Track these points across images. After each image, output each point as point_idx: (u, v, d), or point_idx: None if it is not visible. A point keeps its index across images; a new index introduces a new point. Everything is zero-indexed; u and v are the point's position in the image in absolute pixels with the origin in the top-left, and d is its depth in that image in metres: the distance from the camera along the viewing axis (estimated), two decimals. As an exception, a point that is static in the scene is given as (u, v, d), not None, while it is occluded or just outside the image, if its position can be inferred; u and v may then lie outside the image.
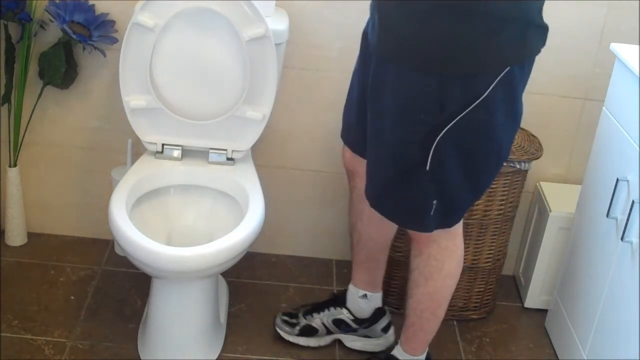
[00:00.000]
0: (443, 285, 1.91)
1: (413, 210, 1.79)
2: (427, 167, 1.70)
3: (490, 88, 1.62)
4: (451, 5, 1.57)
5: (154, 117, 2.14)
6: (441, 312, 1.97)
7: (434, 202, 1.75)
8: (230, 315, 2.29)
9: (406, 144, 1.70)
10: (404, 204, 1.79)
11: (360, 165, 1.94)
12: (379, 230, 2.07)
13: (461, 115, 1.64)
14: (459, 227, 1.87)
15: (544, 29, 1.68)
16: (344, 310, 2.19)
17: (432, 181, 1.72)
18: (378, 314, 2.19)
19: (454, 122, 1.64)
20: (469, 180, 1.75)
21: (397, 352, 2.04)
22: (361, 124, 1.86)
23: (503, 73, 1.62)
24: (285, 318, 2.21)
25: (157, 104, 2.11)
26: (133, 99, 2.11)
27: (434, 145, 1.67)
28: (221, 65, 2.09)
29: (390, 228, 2.07)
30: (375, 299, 2.19)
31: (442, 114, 1.64)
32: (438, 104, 1.63)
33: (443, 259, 1.88)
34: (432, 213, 1.76)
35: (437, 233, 1.83)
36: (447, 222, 1.82)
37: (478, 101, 1.62)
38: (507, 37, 1.60)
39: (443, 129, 1.65)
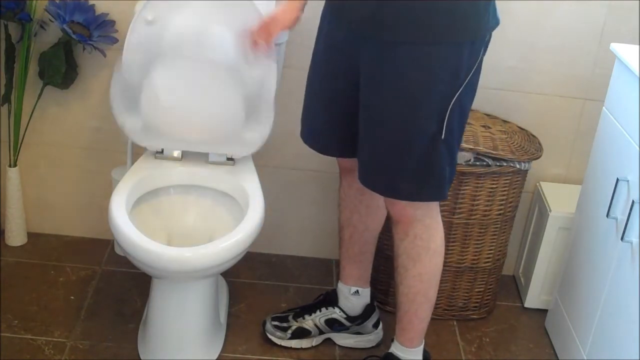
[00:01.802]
0: (431, 263, 1.93)
1: (436, 182, 1.82)
2: (443, 136, 1.76)
3: (482, 52, 1.76)
4: None
5: (151, 133, 2.13)
6: (432, 294, 1.98)
7: (447, 168, 1.81)
8: (230, 315, 2.29)
9: (424, 119, 1.75)
10: (426, 180, 1.81)
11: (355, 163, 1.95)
12: (375, 218, 2.10)
13: (468, 79, 1.73)
14: (438, 205, 1.91)
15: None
16: (336, 309, 2.20)
17: (446, 148, 1.78)
18: (369, 310, 2.21)
19: (462, 87, 1.73)
20: (459, 143, 1.85)
21: (394, 348, 2.04)
22: (335, 124, 1.91)
23: (487, 38, 1.76)
24: (276, 323, 2.21)
25: (153, 127, 2.10)
26: (128, 122, 2.11)
27: (447, 113, 1.74)
28: (218, 90, 2.07)
29: (383, 215, 2.10)
30: (366, 295, 2.21)
31: (456, 81, 1.72)
32: (453, 72, 1.71)
33: (428, 238, 1.90)
34: (447, 179, 1.82)
35: (421, 211, 1.87)
36: (447, 191, 1.86)
37: (476, 64, 1.75)
38: (492, 4, 1.75)
39: (454, 96, 1.73)
